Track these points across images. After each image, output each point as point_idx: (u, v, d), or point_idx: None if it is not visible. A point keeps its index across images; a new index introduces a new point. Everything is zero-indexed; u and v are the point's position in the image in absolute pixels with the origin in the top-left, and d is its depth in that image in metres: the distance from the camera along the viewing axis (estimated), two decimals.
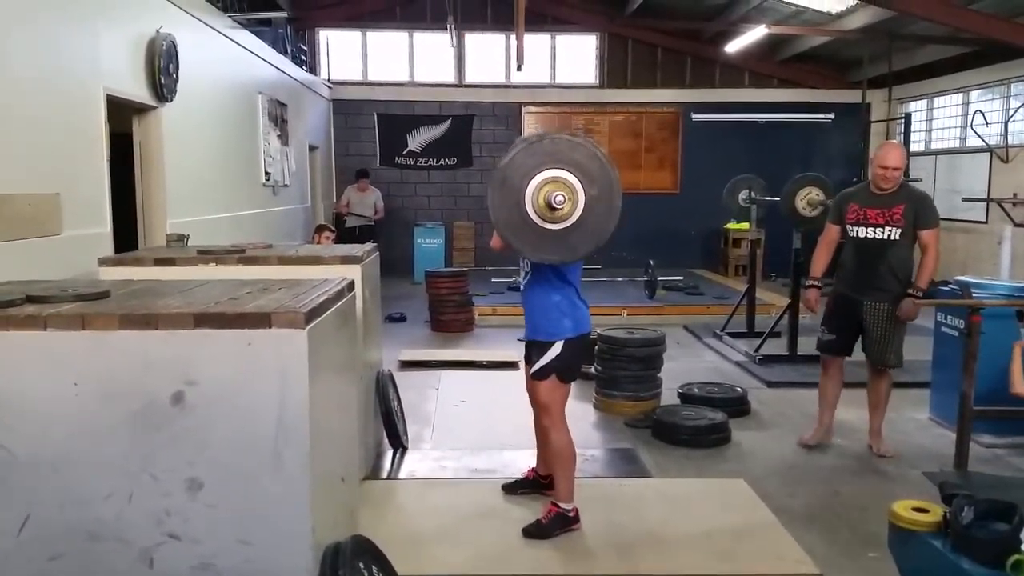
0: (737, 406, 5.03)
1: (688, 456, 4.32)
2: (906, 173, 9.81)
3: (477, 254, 12.16)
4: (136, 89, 5.14)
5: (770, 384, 5.78)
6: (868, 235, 4.15)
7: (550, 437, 3.34)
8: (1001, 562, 2.03)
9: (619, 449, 4.44)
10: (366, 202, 10.91)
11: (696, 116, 12.24)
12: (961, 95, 10.54)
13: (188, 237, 4.61)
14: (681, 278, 10.14)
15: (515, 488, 3.68)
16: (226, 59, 7.11)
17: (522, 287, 3.35)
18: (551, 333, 3.24)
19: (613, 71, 12.53)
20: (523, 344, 3.49)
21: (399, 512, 3.57)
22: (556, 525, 3.26)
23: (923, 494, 3.13)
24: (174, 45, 5.51)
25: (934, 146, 11.17)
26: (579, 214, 2.89)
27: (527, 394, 3.50)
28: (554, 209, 2.86)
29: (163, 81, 5.37)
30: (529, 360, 3.40)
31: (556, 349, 3.22)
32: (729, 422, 4.63)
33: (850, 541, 3.30)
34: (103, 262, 3.64)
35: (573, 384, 3.43)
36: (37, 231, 3.89)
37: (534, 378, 3.30)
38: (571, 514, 3.30)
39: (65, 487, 2.05)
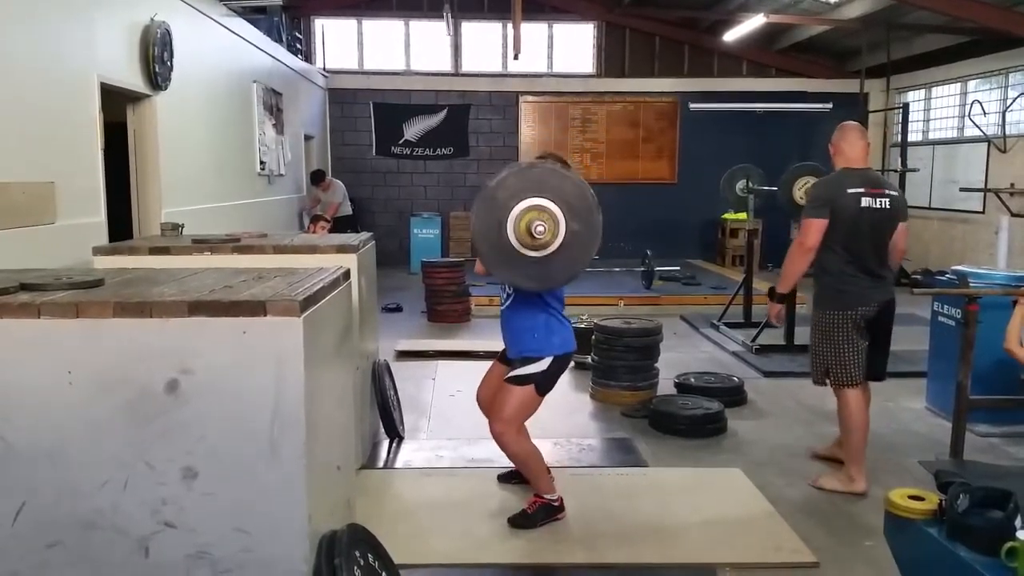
0: (734, 396, 5.04)
1: (685, 446, 4.33)
2: (903, 163, 9.89)
3: (473, 244, 12.13)
4: (130, 77, 5.11)
5: (767, 374, 5.79)
6: None
7: (507, 447, 3.26)
8: (996, 549, 2.03)
9: (616, 439, 4.45)
10: (334, 198, 10.63)
11: (694, 106, 12.21)
12: (959, 85, 10.52)
13: (183, 226, 4.59)
14: (678, 268, 10.13)
15: (509, 478, 3.68)
16: (221, 47, 7.07)
17: (502, 308, 3.31)
18: (539, 350, 3.19)
19: (610, 60, 12.49)
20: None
21: (395, 501, 3.57)
22: (541, 515, 3.26)
23: (919, 482, 3.14)
24: (168, 33, 5.47)
25: (932, 136, 11.17)
26: (557, 245, 2.92)
27: (478, 396, 3.48)
28: (534, 237, 2.88)
29: (157, 69, 5.33)
30: (505, 360, 3.37)
31: (544, 364, 3.18)
32: (726, 412, 4.63)
33: (846, 529, 3.31)
34: (97, 251, 3.63)
35: (570, 374, 3.43)
36: (31, 220, 3.87)
37: (511, 383, 3.23)
38: (556, 503, 3.29)
39: (60, 476, 2.04)
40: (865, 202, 3.54)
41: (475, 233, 3.01)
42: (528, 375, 3.19)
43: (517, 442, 3.25)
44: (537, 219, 2.87)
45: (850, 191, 3.55)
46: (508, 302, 3.27)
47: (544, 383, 3.22)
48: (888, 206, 3.57)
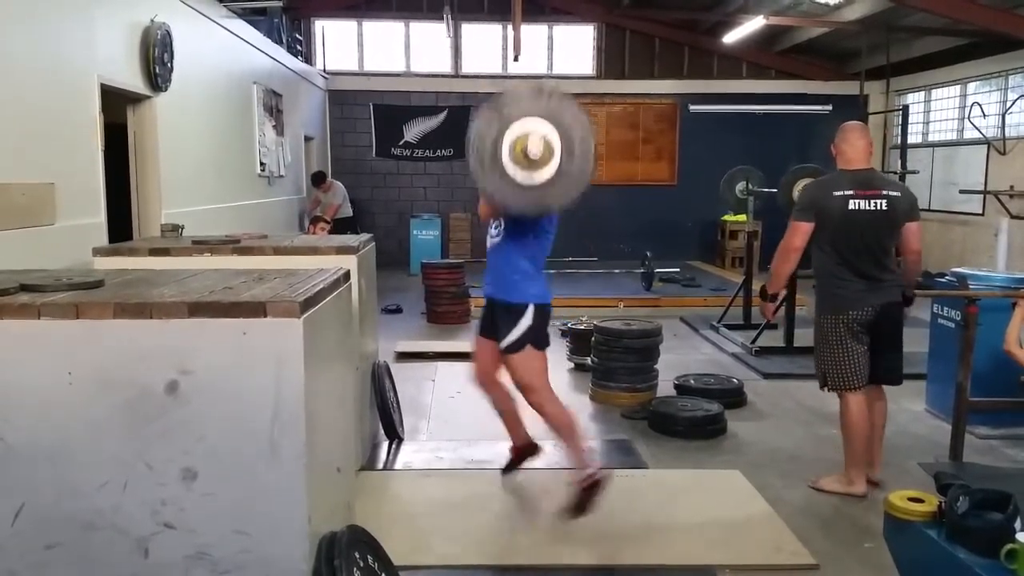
0: (733, 397, 5.04)
1: (684, 447, 4.33)
2: (903, 165, 9.90)
3: (473, 246, 12.14)
4: (131, 79, 5.11)
5: (766, 375, 5.79)
6: None
7: (544, 413, 3.30)
8: (995, 551, 2.04)
9: (615, 440, 4.45)
10: (334, 199, 10.63)
11: (693, 107, 12.23)
12: (958, 87, 10.53)
13: (183, 227, 4.59)
14: (678, 270, 10.13)
15: (511, 468, 3.69)
16: (221, 49, 7.07)
17: (490, 245, 3.31)
18: (520, 296, 3.20)
19: (610, 62, 12.50)
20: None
21: (395, 503, 3.57)
22: (591, 493, 3.21)
23: (919, 485, 3.14)
24: (169, 34, 5.47)
25: (931, 138, 11.17)
26: (553, 171, 2.86)
27: (480, 375, 3.48)
28: (529, 159, 2.84)
29: (158, 71, 5.34)
30: (491, 333, 3.35)
31: (527, 319, 3.17)
32: (725, 413, 4.63)
33: (846, 531, 3.31)
34: (97, 252, 3.63)
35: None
36: (31, 221, 3.87)
37: (506, 352, 3.24)
38: (598, 476, 3.22)
39: (60, 476, 2.04)
40: (853, 204, 3.50)
41: (473, 147, 2.92)
42: (519, 338, 3.19)
43: (554, 409, 3.27)
44: (532, 141, 2.82)
45: (836, 194, 3.53)
46: (497, 239, 3.27)
47: (536, 338, 3.22)
48: (884, 207, 3.51)
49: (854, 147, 3.64)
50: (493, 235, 3.30)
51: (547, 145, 2.84)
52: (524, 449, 3.68)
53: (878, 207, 3.52)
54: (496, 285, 3.30)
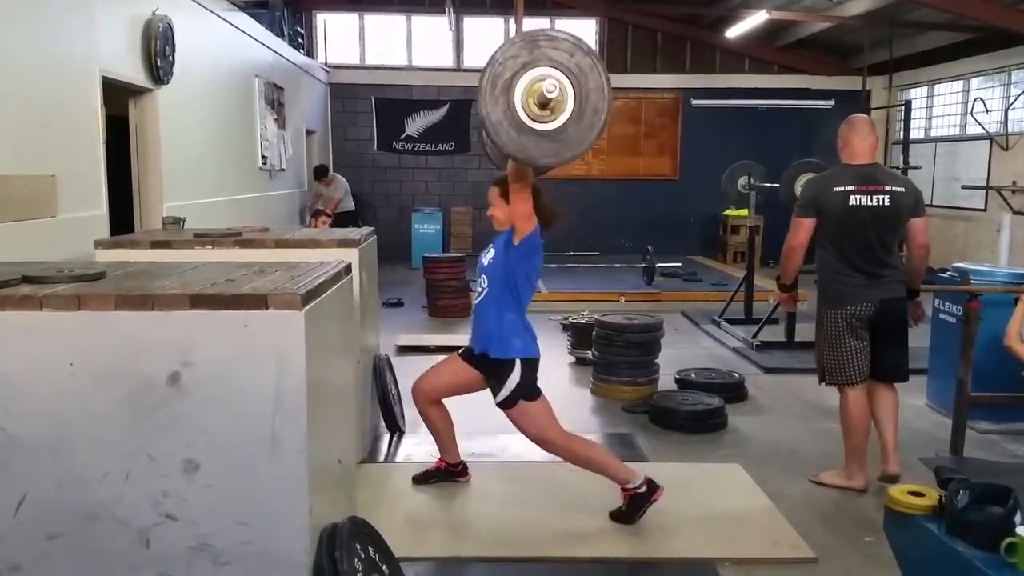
0: (734, 392, 5.04)
1: (685, 441, 4.33)
2: (906, 160, 9.88)
3: (475, 239, 12.14)
4: (132, 71, 5.11)
5: (767, 370, 5.79)
6: None
7: (568, 459, 3.28)
8: (995, 545, 2.04)
9: (616, 434, 4.45)
10: (336, 193, 10.63)
11: (696, 102, 12.20)
12: (961, 82, 10.50)
13: (184, 220, 4.58)
14: (679, 264, 10.13)
15: (426, 481, 3.63)
16: (222, 42, 7.07)
17: (476, 303, 3.32)
18: (505, 351, 3.19)
19: (613, 56, 12.46)
20: None
21: (396, 495, 3.58)
22: (636, 506, 3.22)
23: (919, 479, 3.14)
24: (170, 27, 5.47)
25: (934, 133, 11.15)
26: (566, 117, 2.71)
27: (426, 389, 3.47)
28: (543, 106, 2.70)
29: (159, 63, 5.33)
30: (473, 363, 3.34)
31: (515, 375, 3.16)
32: (726, 408, 4.63)
33: (846, 525, 3.31)
34: (99, 244, 3.63)
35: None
36: (33, 213, 3.87)
37: (501, 407, 3.24)
38: (643, 489, 3.22)
39: (62, 467, 2.04)
40: (854, 200, 3.49)
41: (483, 85, 2.77)
42: (510, 394, 3.18)
43: (570, 448, 3.25)
44: (547, 87, 2.67)
45: (836, 189, 3.52)
46: (481, 297, 3.28)
47: (527, 392, 3.20)
48: (887, 203, 3.49)
49: (865, 140, 3.61)
50: (478, 295, 3.30)
51: (561, 90, 2.68)
52: (452, 467, 3.64)
53: (880, 202, 3.49)
54: (483, 341, 3.27)
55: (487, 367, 3.27)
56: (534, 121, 2.73)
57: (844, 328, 3.57)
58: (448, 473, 3.63)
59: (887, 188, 3.52)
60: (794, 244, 3.64)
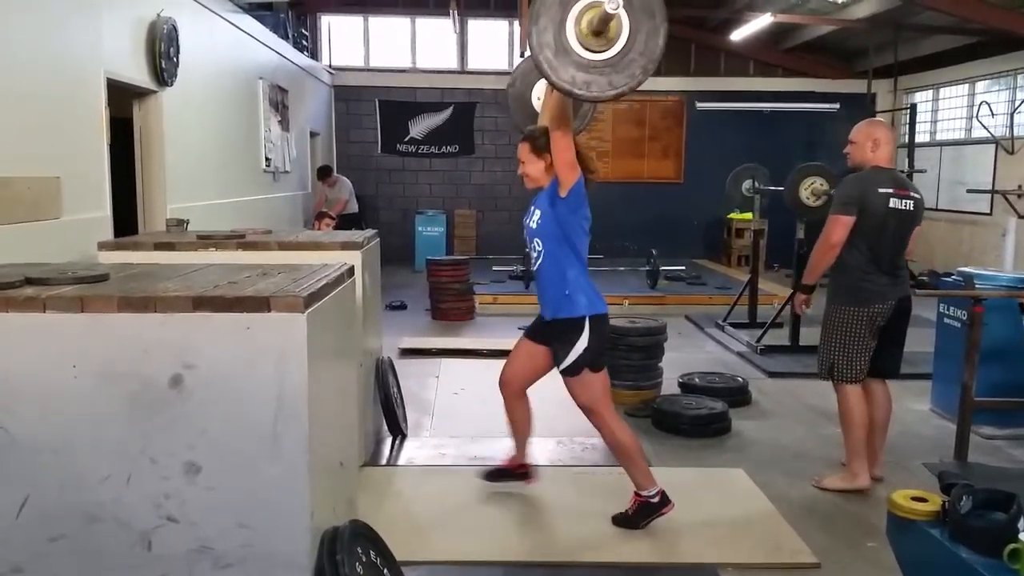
0: (738, 396, 5.03)
1: (688, 445, 4.32)
2: (911, 164, 9.85)
3: (478, 242, 12.15)
4: (137, 73, 5.12)
5: (771, 374, 5.78)
6: None
7: (604, 434, 3.24)
8: (998, 551, 2.03)
9: None
10: (340, 195, 10.63)
11: (700, 105, 12.19)
12: (967, 86, 10.48)
13: (188, 222, 4.59)
14: (683, 268, 10.12)
15: (494, 479, 3.60)
16: (227, 44, 7.08)
17: (535, 269, 3.23)
18: (571, 309, 3.09)
19: None
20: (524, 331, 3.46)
21: (398, 498, 3.57)
22: (643, 514, 3.20)
23: (923, 484, 3.13)
24: (175, 29, 5.48)
25: (939, 137, 11.13)
26: (621, 46, 2.59)
27: (509, 378, 3.38)
28: (598, 33, 2.57)
29: (164, 65, 5.35)
30: (539, 338, 3.27)
31: (584, 338, 3.06)
32: (730, 412, 4.62)
33: (849, 530, 3.30)
34: (102, 246, 3.63)
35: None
36: (37, 215, 3.88)
37: (564, 375, 3.17)
38: (655, 499, 3.19)
39: (64, 469, 2.05)
40: (893, 203, 3.54)
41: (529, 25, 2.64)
42: (575, 361, 3.09)
43: (617, 428, 3.20)
44: (601, 12, 2.53)
45: (880, 191, 3.56)
46: (539, 261, 3.18)
47: (593, 360, 3.11)
48: (912, 208, 3.58)
49: (891, 144, 3.70)
50: (534, 257, 3.21)
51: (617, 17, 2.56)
52: (518, 469, 3.60)
53: (908, 207, 3.59)
54: (551, 306, 3.18)
55: (554, 332, 3.17)
56: (591, 52, 2.60)
57: (866, 326, 3.60)
58: (511, 475, 3.58)
59: (911, 194, 3.63)
60: (834, 241, 3.61)
